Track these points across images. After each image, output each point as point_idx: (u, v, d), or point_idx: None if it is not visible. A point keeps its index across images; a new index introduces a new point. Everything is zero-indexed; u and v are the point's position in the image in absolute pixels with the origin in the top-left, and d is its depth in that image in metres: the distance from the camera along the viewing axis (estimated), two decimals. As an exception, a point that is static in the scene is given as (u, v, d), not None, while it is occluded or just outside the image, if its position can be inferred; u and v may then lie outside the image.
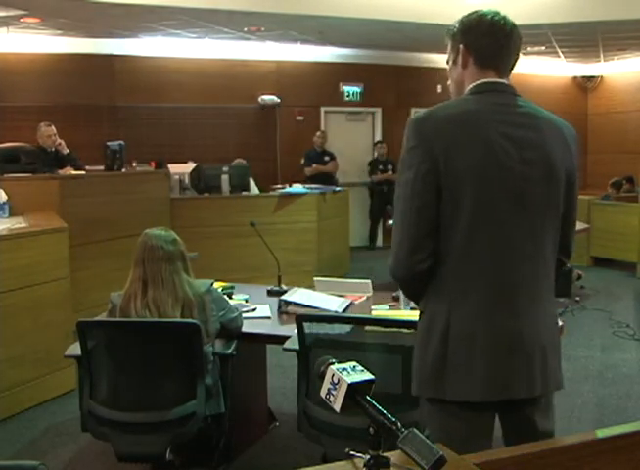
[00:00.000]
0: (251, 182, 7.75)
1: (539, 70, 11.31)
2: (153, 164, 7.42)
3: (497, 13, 1.95)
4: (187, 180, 7.31)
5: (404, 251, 1.85)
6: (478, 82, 1.93)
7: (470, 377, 1.82)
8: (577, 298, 6.83)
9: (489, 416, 1.91)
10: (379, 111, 10.72)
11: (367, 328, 2.63)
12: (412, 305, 3.40)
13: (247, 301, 3.68)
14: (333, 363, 1.32)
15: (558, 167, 1.88)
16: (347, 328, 2.65)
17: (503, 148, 1.82)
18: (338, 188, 8.43)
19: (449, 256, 1.83)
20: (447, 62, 2.04)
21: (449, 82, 2.06)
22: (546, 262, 1.90)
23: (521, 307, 1.85)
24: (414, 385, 1.95)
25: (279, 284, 3.94)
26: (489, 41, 1.92)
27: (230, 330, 3.07)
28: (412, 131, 1.85)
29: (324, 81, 10.19)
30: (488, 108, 1.88)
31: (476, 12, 1.95)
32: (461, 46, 1.95)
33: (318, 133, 9.76)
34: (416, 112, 10.86)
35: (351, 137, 10.60)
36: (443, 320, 1.83)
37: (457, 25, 1.97)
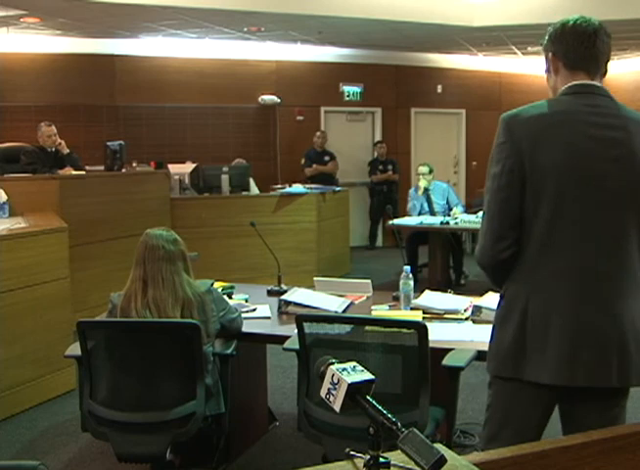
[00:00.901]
0: (251, 182, 7.76)
1: (539, 70, 11.28)
2: (153, 164, 7.42)
3: (580, 17, 2.03)
4: (187, 180, 7.31)
5: (489, 240, 1.99)
6: (569, 84, 2.03)
7: (543, 360, 1.92)
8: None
9: (553, 400, 2.02)
10: (379, 111, 10.72)
11: (367, 328, 2.62)
12: (412, 305, 3.41)
13: (247, 301, 3.68)
14: (333, 363, 1.32)
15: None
16: (347, 328, 2.65)
17: (588, 147, 1.93)
18: (338, 188, 8.44)
19: (530, 246, 1.95)
20: (545, 73, 2.15)
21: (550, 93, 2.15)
22: (629, 257, 1.96)
23: (598, 300, 1.92)
24: (490, 364, 2.06)
25: (279, 284, 3.94)
26: (574, 45, 2.01)
27: (230, 330, 3.07)
28: (502, 128, 1.97)
29: (324, 81, 10.20)
30: (578, 109, 1.98)
31: (560, 20, 2.06)
32: (550, 54, 2.07)
33: (318, 133, 9.76)
34: (416, 112, 10.89)
35: (351, 137, 10.60)
36: (522, 305, 1.95)
37: (545, 37, 2.09)
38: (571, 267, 1.93)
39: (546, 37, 2.08)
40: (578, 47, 2.00)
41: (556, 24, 2.06)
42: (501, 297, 2.05)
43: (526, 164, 1.92)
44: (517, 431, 2.01)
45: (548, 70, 2.11)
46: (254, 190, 7.80)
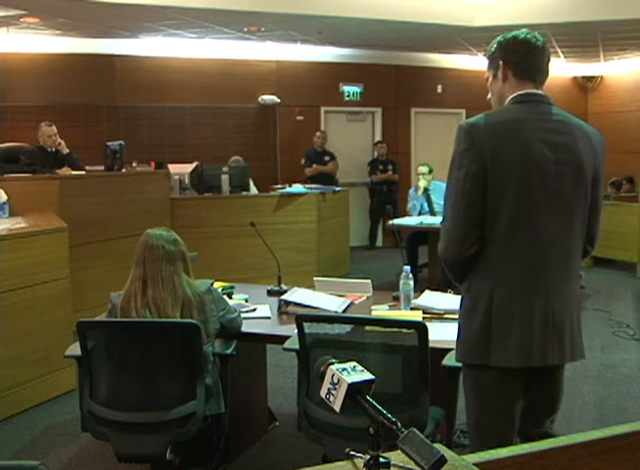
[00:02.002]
0: (251, 182, 7.76)
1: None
2: (153, 164, 7.42)
3: (529, 32, 2.26)
4: (187, 180, 7.30)
5: (454, 239, 2.15)
6: (519, 93, 2.22)
7: (510, 346, 2.12)
8: (577, 298, 6.83)
9: (522, 382, 2.20)
10: (379, 111, 10.72)
11: (367, 328, 2.62)
12: (412, 305, 3.41)
13: (247, 301, 3.68)
14: (333, 363, 1.32)
15: (586, 167, 2.18)
16: (347, 328, 2.65)
17: (541, 151, 2.12)
18: (338, 188, 8.43)
19: (492, 243, 2.13)
20: (486, 78, 2.33)
21: (489, 95, 2.35)
22: (575, 249, 2.22)
23: (553, 287, 2.16)
24: (459, 353, 2.24)
25: (279, 284, 3.94)
26: (526, 57, 2.22)
27: (230, 330, 3.07)
28: (464, 136, 2.13)
29: (324, 81, 10.19)
30: (529, 116, 2.17)
31: (510, 33, 2.26)
32: (501, 62, 2.24)
33: (318, 133, 9.75)
34: (416, 112, 10.88)
35: (351, 137, 10.59)
36: (487, 298, 2.14)
37: (495, 45, 2.27)
38: (530, 263, 2.14)
39: (495, 45, 2.26)
40: (530, 59, 2.22)
41: (506, 35, 2.25)
42: (465, 292, 2.22)
43: (489, 169, 2.09)
44: (495, 414, 2.20)
45: (495, 76, 2.28)
46: (253, 190, 7.80)
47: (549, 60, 2.29)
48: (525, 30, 2.26)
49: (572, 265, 2.22)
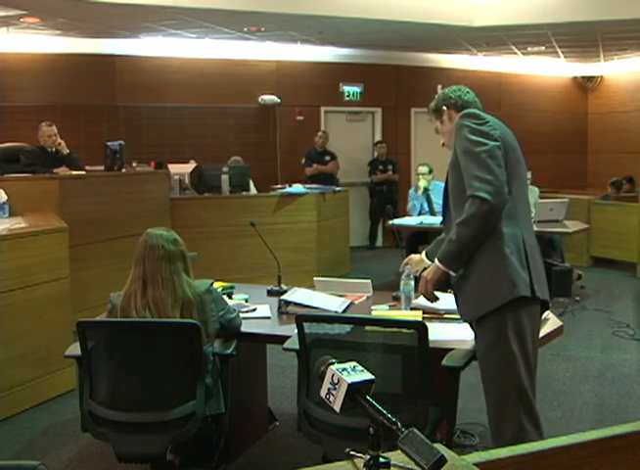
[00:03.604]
0: (250, 182, 7.76)
1: (539, 70, 11.31)
2: (153, 164, 7.42)
3: (457, 88, 2.84)
4: (187, 180, 7.30)
5: (499, 188, 2.45)
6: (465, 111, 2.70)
7: (542, 280, 2.56)
8: (577, 298, 6.83)
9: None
10: (379, 111, 10.72)
11: (367, 328, 2.63)
12: (412, 305, 3.41)
13: (247, 301, 3.68)
14: (333, 363, 1.32)
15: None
16: (347, 328, 2.65)
17: (514, 140, 2.68)
18: (338, 188, 8.43)
19: (514, 198, 2.56)
20: (436, 129, 2.88)
21: (442, 140, 2.88)
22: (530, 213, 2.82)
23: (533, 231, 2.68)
24: (521, 286, 2.48)
25: (279, 284, 3.94)
26: (461, 98, 2.78)
27: (229, 330, 3.07)
28: (477, 115, 2.60)
29: (324, 81, 10.19)
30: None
31: (441, 92, 2.86)
32: (444, 107, 2.79)
33: (320, 133, 9.75)
34: (416, 112, 10.88)
35: (351, 137, 10.59)
36: (520, 241, 2.53)
37: (434, 102, 2.84)
38: (528, 215, 2.71)
39: (434, 103, 2.83)
40: (466, 97, 2.80)
41: (441, 92, 2.84)
42: (499, 239, 2.50)
43: (505, 142, 2.57)
44: (535, 352, 2.57)
45: (442, 122, 2.81)
46: (253, 190, 7.80)
47: (477, 98, 2.84)
48: (454, 86, 2.86)
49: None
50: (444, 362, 2.61)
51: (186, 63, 9.48)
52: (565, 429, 3.73)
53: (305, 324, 2.63)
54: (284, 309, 3.47)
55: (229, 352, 3.00)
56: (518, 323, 2.48)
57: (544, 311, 2.68)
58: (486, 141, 2.52)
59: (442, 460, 1.13)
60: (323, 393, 1.30)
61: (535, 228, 3.06)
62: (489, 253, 2.50)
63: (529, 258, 2.51)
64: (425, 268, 2.94)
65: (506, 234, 2.50)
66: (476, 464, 1.33)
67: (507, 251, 2.49)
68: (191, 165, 7.56)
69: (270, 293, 3.87)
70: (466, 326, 2.75)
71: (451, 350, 2.71)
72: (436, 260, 2.60)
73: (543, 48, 9.83)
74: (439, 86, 10.84)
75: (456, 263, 2.56)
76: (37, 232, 4.42)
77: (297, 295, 3.54)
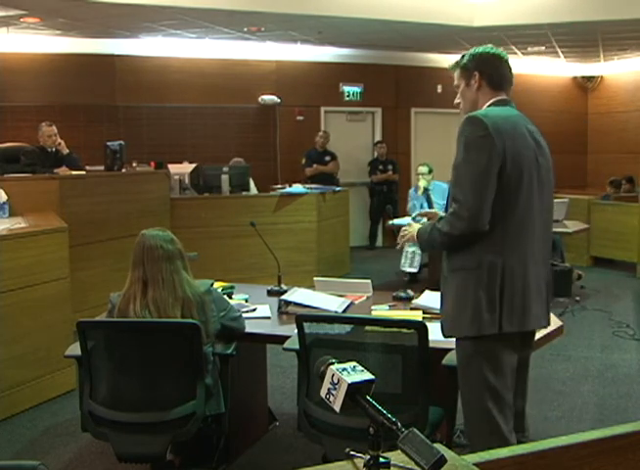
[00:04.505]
0: (251, 182, 7.76)
1: (539, 70, 11.31)
2: (153, 164, 7.42)
3: (492, 47, 2.58)
4: (187, 180, 7.30)
5: (475, 214, 2.32)
6: (496, 99, 2.52)
7: (521, 312, 2.39)
8: (577, 298, 6.83)
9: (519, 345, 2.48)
10: (379, 111, 10.71)
11: (367, 328, 2.63)
12: (412, 305, 3.41)
13: (247, 301, 3.67)
14: (333, 363, 1.32)
15: (550, 159, 2.55)
16: (347, 328, 2.65)
17: (532, 145, 2.45)
18: (338, 188, 8.43)
19: (505, 221, 2.37)
20: (457, 86, 2.60)
21: (458, 100, 2.61)
22: (551, 227, 2.59)
23: (542, 258, 2.48)
24: (463, 327, 2.42)
25: (279, 284, 3.94)
26: (498, 70, 2.54)
27: (232, 330, 3.06)
28: (478, 124, 2.36)
29: (324, 81, 10.19)
30: (516, 114, 2.51)
31: (479, 47, 2.56)
32: (476, 73, 2.52)
33: (320, 133, 9.75)
34: (416, 112, 10.88)
35: (351, 137, 10.59)
36: (500, 271, 2.36)
37: (467, 57, 2.56)
38: (528, 236, 2.42)
39: (467, 57, 2.55)
40: (502, 71, 2.54)
41: (477, 49, 2.56)
42: (476, 268, 2.38)
43: (507, 155, 2.34)
44: (505, 382, 2.42)
45: (468, 85, 2.55)
46: (253, 190, 7.80)
47: (512, 72, 2.59)
48: (490, 46, 2.58)
49: (550, 243, 2.59)
50: (444, 362, 2.61)
51: (186, 63, 9.48)
52: (565, 429, 3.73)
53: (305, 324, 2.63)
54: (284, 309, 3.47)
55: (229, 352, 3.00)
56: (480, 354, 2.40)
57: (529, 339, 2.56)
58: (479, 159, 2.33)
59: (442, 460, 1.13)
60: (323, 393, 1.30)
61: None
62: (462, 280, 2.41)
63: (505, 291, 2.35)
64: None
65: (484, 263, 2.36)
66: (476, 464, 1.33)
67: (476, 285, 2.37)
68: (191, 165, 7.55)
69: (270, 293, 3.87)
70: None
71: (451, 350, 2.70)
72: (416, 232, 2.60)
73: (543, 48, 9.83)
74: (439, 86, 10.87)
75: (423, 246, 2.67)
76: (37, 232, 4.42)
77: (297, 295, 3.54)
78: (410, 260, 3.37)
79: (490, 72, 2.52)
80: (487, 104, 2.50)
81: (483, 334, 2.37)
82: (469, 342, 2.42)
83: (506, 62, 2.56)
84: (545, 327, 2.60)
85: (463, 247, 2.40)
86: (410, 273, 3.46)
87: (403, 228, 2.72)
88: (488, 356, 2.40)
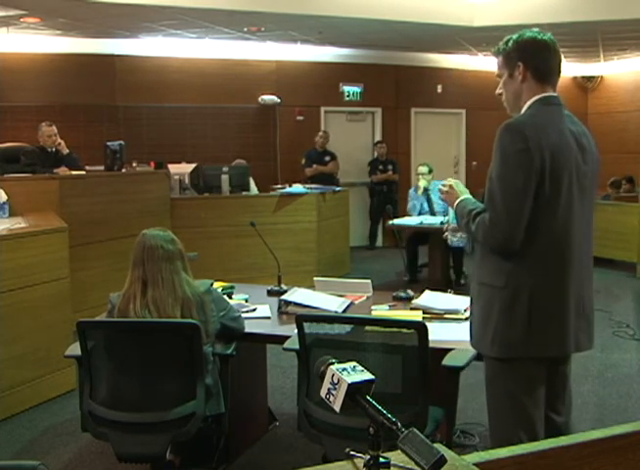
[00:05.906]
0: (251, 182, 7.76)
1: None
2: (153, 164, 7.42)
3: (542, 32, 2.29)
4: (187, 180, 7.30)
5: (508, 232, 2.19)
6: (541, 96, 2.28)
7: (555, 336, 2.28)
8: (577, 298, 6.82)
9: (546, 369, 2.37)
10: (379, 111, 10.71)
11: (367, 328, 2.62)
12: (412, 305, 3.41)
13: (247, 301, 3.67)
14: (333, 363, 1.32)
15: (597, 168, 2.36)
16: (347, 328, 2.65)
17: (576, 152, 2.25)
18: (338, 188, 8.43)
19: (542, 238, 2.22)
20: (498, 75, 2.36)
21: (500, 90, 2.36)
22: (592, 239, 2.39)
23: (583, 276, 2.33)
24: (496, 348, 2.29)
25: (279, 284, 3.94)
26: (546, 61, 2.28)
27: (232, 330, 3.06)
28: (518, 134, 2.17)
29: (324, 81, 10.19)
30: (562, 119, 2.28)
31: (525, 33, 2.29)
32: (520, 63, 2.27)
33: (320, 133, 9.75)
34: (416, 112, 10.88)
35: (351, 137, 10.59)
36: (528, 291, 2.22)
37: (511, 44, 2.29)
38: (564, 255, 2.27)
39: (511, 44, 2.28)
40: (550, 62, 2.28)
41: (523, 35, 2.28)
42: (503, 287, 2.25)
43: (546, 170, 2.16)
44: (536, 404, 2.33)
45: (511, 76, 2.30)
46: (254, 190, 7.80)
47: (561, 60, 2.33)
48: (537, 30, 2.29)
49: (591, 256, 2.40)
50: (444, 362, 2.61)
51: (186, 63, 9.48)
52: (565, 429, 3.73)
53: (305, 324, 2.63)
54: (284, 309, 3.47)
55: (229, 352, 3.00)
56: (504, 374, 2.33)
57: (561, 364, 2.45)
58: (516, 178, 2.16)
59: (442, 460, 1.13)
60: (323, 393, 1.30)
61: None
62: (488, 298, 2.30)
63: (533, 314, 2.22)
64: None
65: (510, 284, 2.24)
66: (476, 464, 1.33)
67: (500, 306, 2.26)
68: (191, 165, 7.55)
69: (270, 293, 3.87)
70: (466, 326, 2.75)
71: (451, 350, 2.71)
72: (458, 201, 2.43)
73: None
74: (439, 86, 10.88)
75: (455, 215, 2.48)
76: (37, 232, 4.42)
77: (297, 295, 3.53)
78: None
79: (537, 64, 2.26)
80: (532, 100, 2.28)
81: (507, 357, 2.28)
82: (492, 360, 2.35)
83: (555, 50, 2.28)
84: (588, 349, 2.45)
85: (492, 260, 2.29)
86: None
87: (447, 182, 2.51)
88: (512, 377, 2.31)
